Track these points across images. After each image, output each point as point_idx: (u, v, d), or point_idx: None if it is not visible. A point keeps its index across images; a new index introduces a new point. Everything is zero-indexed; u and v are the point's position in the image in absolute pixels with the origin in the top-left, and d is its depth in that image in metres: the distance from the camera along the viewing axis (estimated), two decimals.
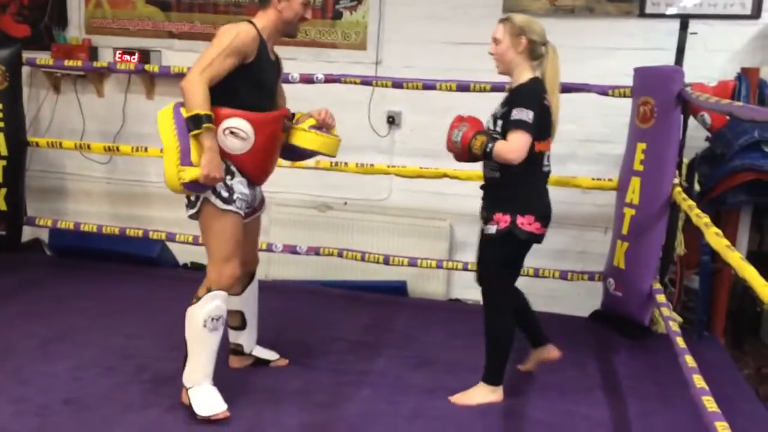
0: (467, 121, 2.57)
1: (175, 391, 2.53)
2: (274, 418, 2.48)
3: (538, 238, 2.58)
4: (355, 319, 3.49)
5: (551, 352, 2.85)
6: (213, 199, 2.39)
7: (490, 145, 2.46)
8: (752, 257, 3.23)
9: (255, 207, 2.65)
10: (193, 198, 2.41)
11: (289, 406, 2.58)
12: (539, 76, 2.55)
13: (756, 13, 3.52)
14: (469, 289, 4.02)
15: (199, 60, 2.33)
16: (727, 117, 3.30)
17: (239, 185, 2.43)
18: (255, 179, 2.53)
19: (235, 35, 2.33)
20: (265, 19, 2.47)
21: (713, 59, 3.57)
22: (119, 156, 4.27)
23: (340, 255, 3.83)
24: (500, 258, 2.61)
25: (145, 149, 3.94)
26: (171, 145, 2.31)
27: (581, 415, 2.63)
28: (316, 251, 3.85)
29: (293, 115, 2.66)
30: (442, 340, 3.28)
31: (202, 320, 2.38)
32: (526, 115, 2.41)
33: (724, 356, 3.26)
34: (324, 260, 3.94)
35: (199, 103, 2.27)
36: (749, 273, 1.98)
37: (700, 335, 3.34)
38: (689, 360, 2.40)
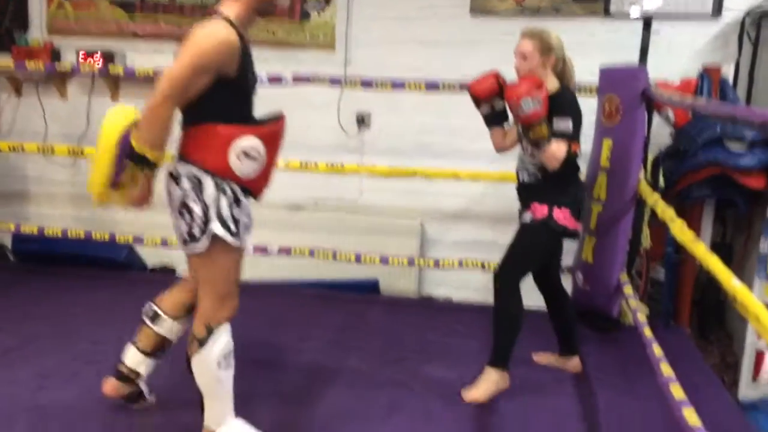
0: (543, 96, 2.52)
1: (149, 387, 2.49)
2: (247, 418, 2.45)
3: (572, 234, 2.67)
4: (327, 318, 3.48)
5: (575, 364, 2.96)
6: (222, 233, 2.09)
7: (546, 143, 2.52)
8: (715, 248, 3.31)
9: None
10: (197, 233, 2.09)
11: (262, 405, 2.56)
12: (564, 83, 2.67)
13: (717, 12, 3.61)
14: (440, 286, 4.06)
15: (166, 75, 1.98)
16: (690, 114, 3.39)
17: (243, 217, 2.16)
18: (260, 195, 2.25)
19: (214, 48, 1.98)
20: (238, 5, 2.10)
21: (676, 58, 3.65)
22: (84, 159, 4.19)
23: (311, 254, 3.81)
24: (529, 246, 2.68)
25: None
26: (106, 161, 2.07)
27: (551, 407, 2.66)
28: (287, 251, 3.84)
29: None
30: (414, 336, 3.29)
31: (216, 362, 2.17)
32: (566, 125, 2.55)
33: (690, 345, 3.33)
34: (295, 260, 3.92)
35: (154, 142, 2.00)
36: (714, 264, 2.04)
37: (666, 325, 3.41)
38: (656, 349, 2.45)
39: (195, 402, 2.24)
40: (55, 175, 4.44)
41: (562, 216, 2.61)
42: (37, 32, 4.34)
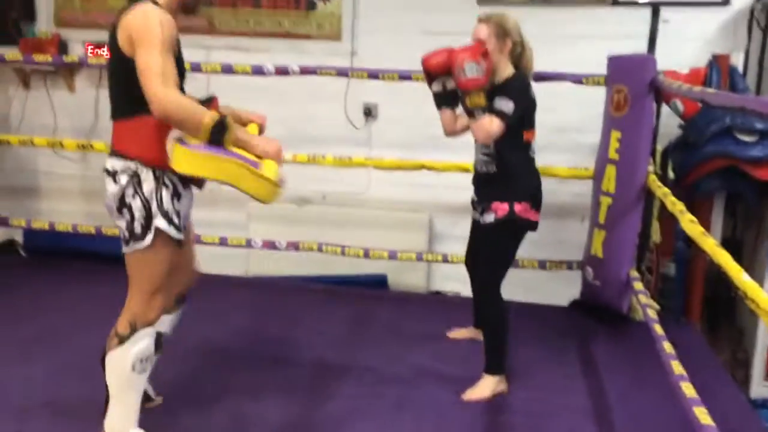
0: (487, 66, 2.47)
1: (155, 388, 2.50)
2: (257, 414, 2.48)
3: (534, 226, 2.66)
4: (336, 314, 3.49)
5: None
6: (166, 227, 2.04)
7: (479, 111, 2.46)
8: (726, 243, 3.29)
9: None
10: (138, 229, 2.03)
11: (272, 401, 2.58)
12: (521, 71, 2.63)
13: (725, 1, 3.55)
14: (449, 281, 4.05)
15: (148, 73, 1.89)
16: (700, 104, 3.35)
17: (182, 210, 2.10)
18: (202, 184, 2.17)
19: (159, 26, 1.91)
20: None
21: (685, 46, 3.59)
22: (93, 153, 4.20)
23: (319, 249, 3.81)
24: (499, 246, 2.67)
25: None
26: (230, 172, 1.91)
27: (561, 404, 2.66)
28: (295, 246, 3.84)
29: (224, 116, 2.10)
30: (423, 331, 3.28)
31: (131, 364, 2.09)
32: (506, 105, 2.48)
33: (701, 342, 3.31)
34: (304, 255, 3.92)
35: (199, 114, 1.91)
36: (724, 259, 2.02)
37: (677, 321, 3.39)
38: (667, 346, 2.44)
39: (199, 402, 2.20)
40: (65, 169, 4.46)
41: (522, 210, 2.60)
42: (44, 24, 4.34)
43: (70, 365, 2.80)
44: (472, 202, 2.84)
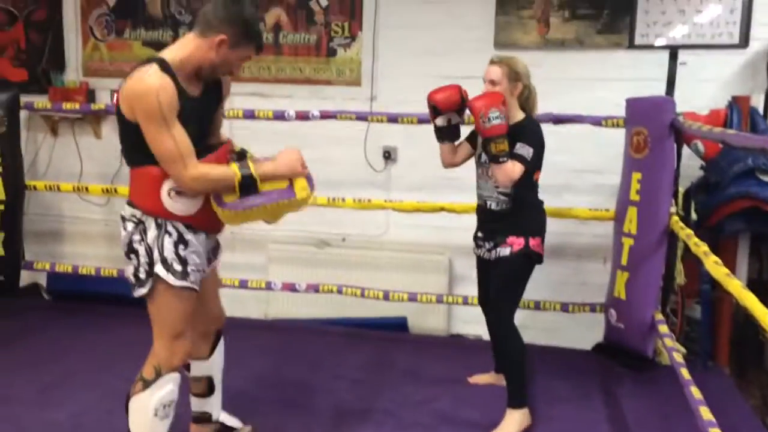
0: (506, 113, 2.57)
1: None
2: None
3: (542, 259, 2.74)
4: (356, 357, 3.46)
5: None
6: (165, 274, 2.07)
7: (504, 159, 2.55)
8: (752, 285, 3.22)
9: (210, 259, 2.30)
10: (142, 275, 2.09)
11: None
12: (528, 113, 2.73)
13: (744, 43, 3.56)
14: (470, 324, 4.01)
15: (162, 158, 1.98)
16: (721, 145, 3.33)
17: (193, 256, 2.13)
18: (213, 230, 2.23)
19: (156, 98, 1.92)
20: (194, 50, 2.03)
21: (703, 88, 3.60)
22: (117, 198, 4.27)
23: (339, 291, 3.81)
24: (515, 279, 2.72)
25: None
26: (274, 211, 2.09)
27: None
28: (315, 288, 3.84)
29: (244, 151, 2.21)
30: (444, 376, 3.24)
31: (153, 409, 2.12)
32: (527, 151, 2.60)
33: (730, 386, 3.23)
34: (324, 297, 3.92)
35: (224, 177, 2.02)
36: (750, 301, 1.98)
37: (704, 365, 3.31)
38: (695, 391, 2.38)
39: None
40: (90, 213, 4.53)
41: (536, 244, 2.69)
42: (73, 74, 4.47)
43: (91, 409, 2.80)
44: (477, 239, 2.87)
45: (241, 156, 2.16)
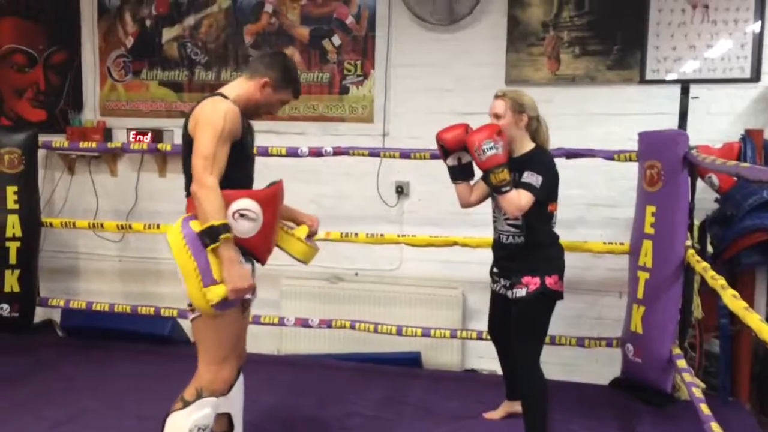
0: (504, 143, 2.56)
1: None
2: None
3: (562, 296, 2.69)
4: (369, 393, 3.42)
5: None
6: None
7: (507, 188, 2.52)
8: None
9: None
10: None
11: None
12: (539, 144, 2.72)
13: (756, 77, 3.58)
14: (483, 359, 3.96)
15: (198, 155, 2.13)
16: (735, 178, 3.32)
17: None
18: (263, 259, 2.33)
19: (224, 118, 2.15)
20: (244, 90, 2.31)
21: (716, 122, 3.61)
22: (131, 234, 4.31)
23: (352, 327, 3.79)
24: (535, 321, 2.68)
25: (158, 226, 3.97)
26: (188, 268, 2.11)
27: None
28: (328, 324, 3.82)
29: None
30: (458, 412, 3.20)
31: (188, 429, 2.16)
32: (536, 180, 2.57)
33: (751, 422, 3.16)
34: (336, 333, 3.90)
35: (214, 211, 2.08)
36: None
37: (724, 401, 3.25)
38: (715, 428, 2.33)
39: None
40: (104, 250, 4.57)
41: (553, 282, 2.64)
42: (90, 113, 4.55)
43: None
44: (492, 274, 2.85)
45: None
